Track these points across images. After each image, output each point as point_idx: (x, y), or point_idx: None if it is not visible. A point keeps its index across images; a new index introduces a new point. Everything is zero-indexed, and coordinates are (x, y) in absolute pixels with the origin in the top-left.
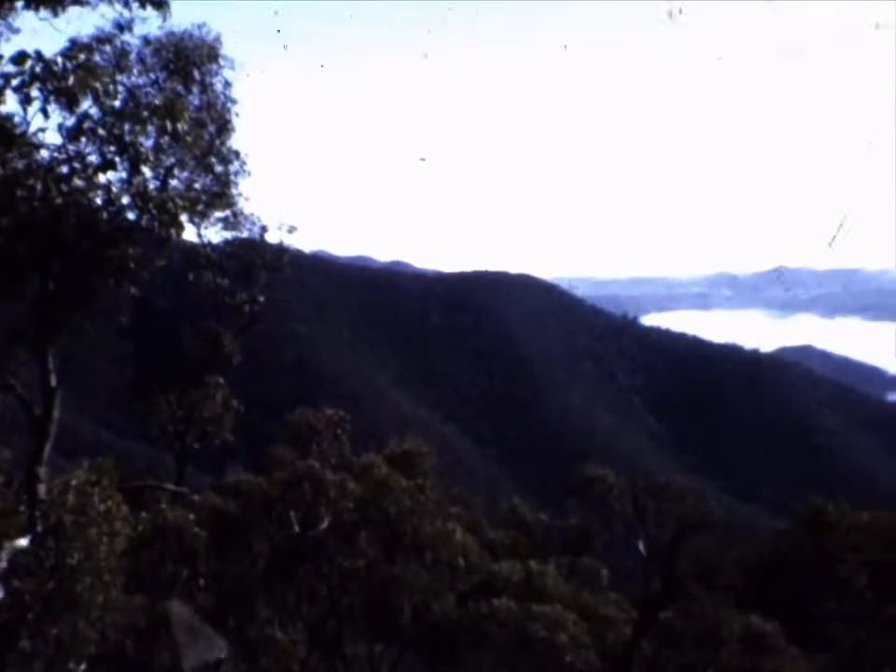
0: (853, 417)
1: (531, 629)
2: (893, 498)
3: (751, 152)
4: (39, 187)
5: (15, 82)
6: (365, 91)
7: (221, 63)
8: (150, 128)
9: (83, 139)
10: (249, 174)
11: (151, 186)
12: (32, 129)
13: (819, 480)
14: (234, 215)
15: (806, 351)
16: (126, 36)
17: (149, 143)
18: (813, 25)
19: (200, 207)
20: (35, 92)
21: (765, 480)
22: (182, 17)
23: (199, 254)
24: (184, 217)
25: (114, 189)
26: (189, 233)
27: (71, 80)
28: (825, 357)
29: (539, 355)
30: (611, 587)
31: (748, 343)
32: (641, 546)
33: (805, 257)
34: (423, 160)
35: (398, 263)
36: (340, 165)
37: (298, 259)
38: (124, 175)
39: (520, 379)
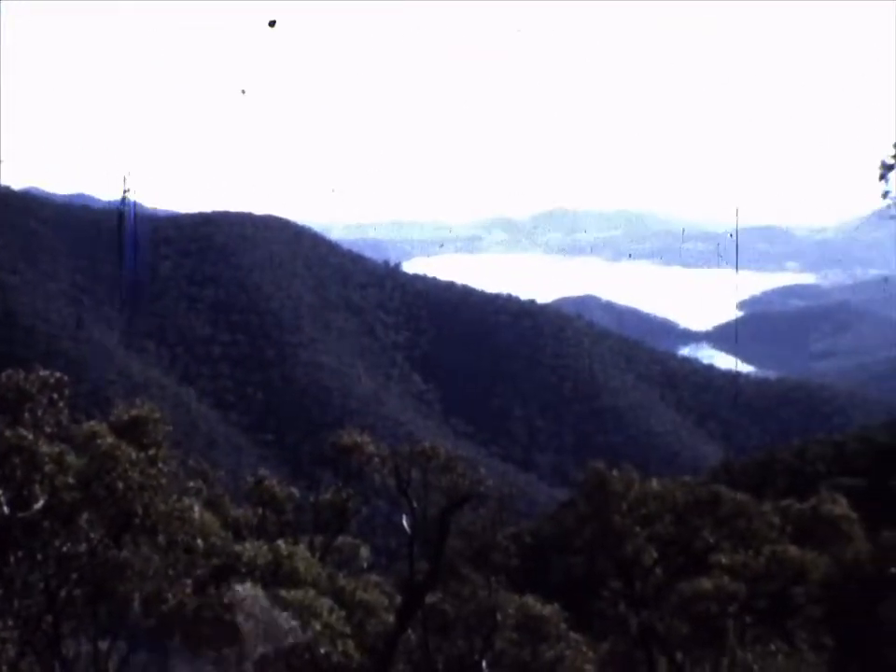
0: (641, 375)
1: (280, 618)
2: (687, 463)
3: (527, 89)
4: None
5: None
6: (75, 11)
7: None
8: None
9: None
10: None
11: None
12: None
13: (603, 444)
14: None
15: (589, 301)
16: None
17: None
18: None
19: None
20: None
21: (544, 445)
22: None
23: None
24: None
25: None
26: None
27: None
28: (609, 308)
29: (288, 307)
30: (373, 569)
31: (524, 292)
32: (405, 522)
33: (587, 198)
34: (243, 92)
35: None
36: (56, 91)
37: (5, 196)
38: None
39: (266, 335)
